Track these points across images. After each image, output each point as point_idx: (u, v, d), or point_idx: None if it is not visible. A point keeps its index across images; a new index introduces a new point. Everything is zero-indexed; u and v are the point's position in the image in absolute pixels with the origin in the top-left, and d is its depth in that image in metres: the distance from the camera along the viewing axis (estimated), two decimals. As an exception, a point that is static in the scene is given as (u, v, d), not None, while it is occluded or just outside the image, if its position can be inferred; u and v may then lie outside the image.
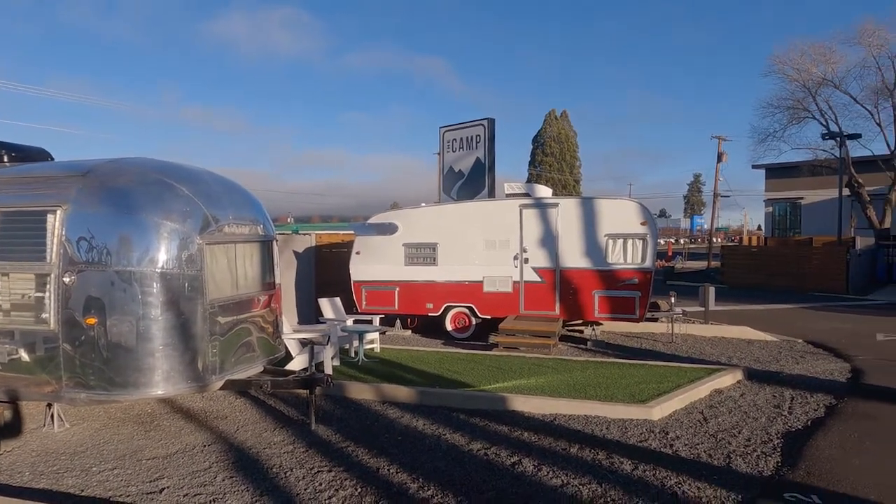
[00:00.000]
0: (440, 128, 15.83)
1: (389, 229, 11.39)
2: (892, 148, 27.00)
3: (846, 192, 26.30)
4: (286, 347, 7.53)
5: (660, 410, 6.41)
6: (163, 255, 5.44)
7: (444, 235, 11.20)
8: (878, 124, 27.51)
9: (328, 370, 7.88)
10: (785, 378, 8.15)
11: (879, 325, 13.10)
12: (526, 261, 10.75)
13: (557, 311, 10.63)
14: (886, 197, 27.01)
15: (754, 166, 35.88)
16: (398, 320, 12.04)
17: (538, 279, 10.71)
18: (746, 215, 69.22)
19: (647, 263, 10.12)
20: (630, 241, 10.21)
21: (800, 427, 6.06)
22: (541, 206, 10.83)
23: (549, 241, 10.66)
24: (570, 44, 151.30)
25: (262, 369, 6.49)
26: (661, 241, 70.34)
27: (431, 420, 6.27)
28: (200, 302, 5.59)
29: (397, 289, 11.41)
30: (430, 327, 11.80)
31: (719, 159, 35.43)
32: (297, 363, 7.42)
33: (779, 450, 5.39)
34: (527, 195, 11.36)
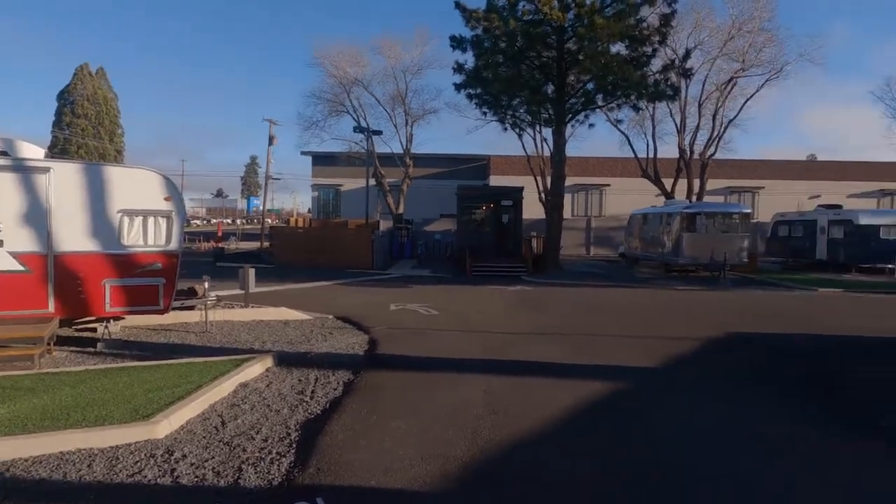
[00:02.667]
0: None
1: None
2: (405, 147, 32.70)
3: (373, 181, 30.55)
4: None
5: (168, 424, 5.27)
6: None
7: None
8: (395, 126, 32.91)
9: None
10: (313, 358, 8.16)
11: (393, 296, 15.22)
12: (0, 243, 7.87)
13: (52, 308, 8.16)
14: (401, 187, 32.59)
15: (303, 152, 38.24)
16: None
17: (21, 268, 7.98)
18: (296, 198, 74.30)
19: (173, 246, 8.75)
20: (151, 220, 8.61)
21: (319, 412, 5.90)
22: (24, 169, 8.07)
23: (37, 217, 8.05)
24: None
25: None
26: (213, 221, 68.75)
27: None
28: None
29: None
30: None
31: (270, 142, 36.29)
32: None
33: (294, 446, 4.99)
34: (4, 154, 8.34)
